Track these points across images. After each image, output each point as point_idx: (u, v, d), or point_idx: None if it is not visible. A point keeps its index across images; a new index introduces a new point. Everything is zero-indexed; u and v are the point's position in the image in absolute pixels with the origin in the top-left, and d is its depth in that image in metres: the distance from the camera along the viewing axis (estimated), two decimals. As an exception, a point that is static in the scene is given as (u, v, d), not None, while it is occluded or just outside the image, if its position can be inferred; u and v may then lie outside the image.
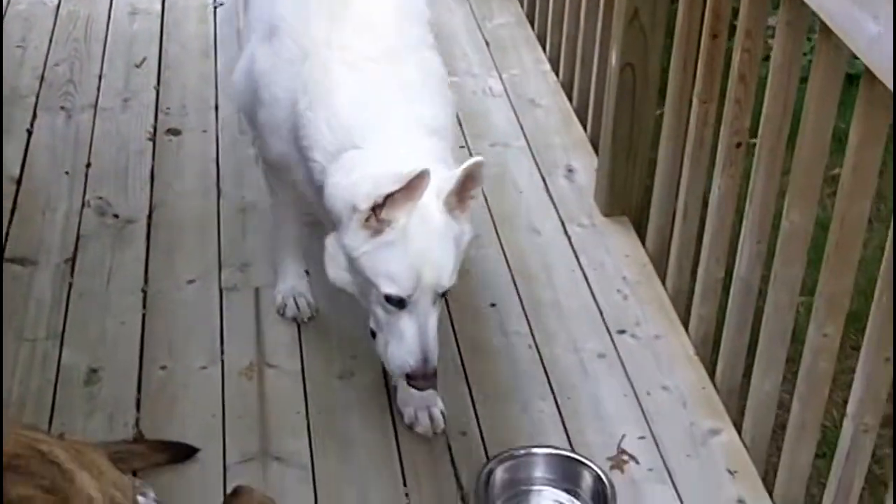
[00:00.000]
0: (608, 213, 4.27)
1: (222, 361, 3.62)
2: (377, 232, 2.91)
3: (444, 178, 2.92)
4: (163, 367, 3.58)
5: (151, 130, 4.71)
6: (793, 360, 3.20)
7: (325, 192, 3.07)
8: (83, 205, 4.28)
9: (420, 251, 2.92)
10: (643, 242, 4.14)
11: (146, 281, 3.93)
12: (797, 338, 3.21)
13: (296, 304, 3.78)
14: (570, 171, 4.53)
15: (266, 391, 3.52)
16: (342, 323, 3.73)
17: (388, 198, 2.85)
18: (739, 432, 3.42)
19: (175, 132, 4.70)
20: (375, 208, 2.87)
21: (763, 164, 3.22)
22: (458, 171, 2.91)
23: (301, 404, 3.48)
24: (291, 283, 3.80)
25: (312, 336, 3.71)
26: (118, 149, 4.60)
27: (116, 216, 4.22)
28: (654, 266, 4.04)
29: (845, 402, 2.89)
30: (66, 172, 4.45)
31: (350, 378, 3.57)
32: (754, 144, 3.26)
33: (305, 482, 3.23)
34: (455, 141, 3.35)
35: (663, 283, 3.96)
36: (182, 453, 3.26)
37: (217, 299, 3.86)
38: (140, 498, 3.00)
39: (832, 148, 3.03)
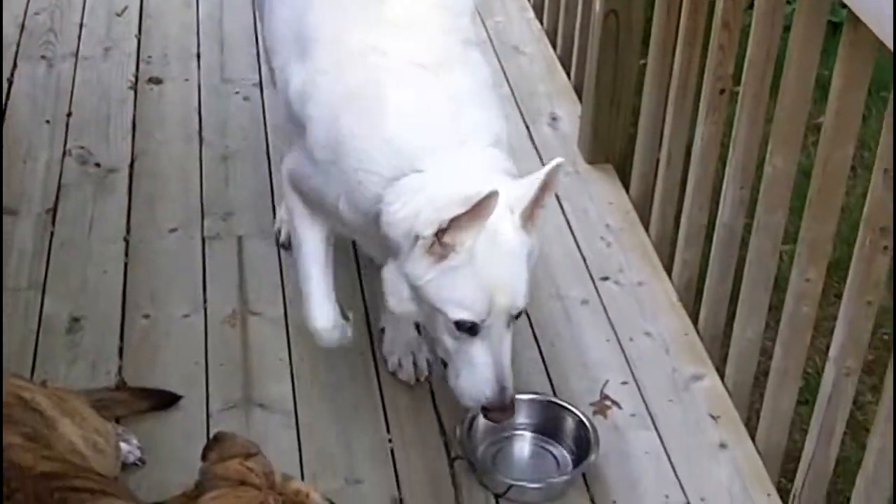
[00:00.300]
0: (592, 160, 4.26)
1: (205, 309, 3.62)
2: (441, 257, 2.69)
3: (516, 192, 2.72)
4: (145, 316, 3.58)
5: (133, 79, 4.68)
6: (776, 308, 3.20)
7: (382, 221, 2.80)
8: (64, 154, 4.26)
9: (491, 273, 2.71)
10: (627, 190, 4.13)
11: (128, 230, 3.91)
12: (780, 285, 3.21)
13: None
14: (554, 118, 4.51)
15: (249, 338, 3.52)
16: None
17: (453, 222, 2.63)
18: (722, 378, 3.43)
19: (156, 81, 4.67)
20: (439, 233, 2.66)
21: (746, 111, 3.21)
22: (534, 182, 2.71)
23: (284, 351, 3.48)
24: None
25: (296, 282, 3.68)
26: (99, 98, 4.57)
27: (98, 165, 4.20)
28: (638, 213, 4.04)
29: (828, 349, 2.90)
30: (47, 121, 4.42)
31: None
32: (738, 93, 3.26)
33: (289, 428, 3.24)
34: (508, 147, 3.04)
35: (646, 230, 3.96)
36: (165, 401, 3.26)
37: (199, 248, 3.85)
38: (122, 445, 3.01)
39: (815, 97, 3.03)
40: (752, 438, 3.26)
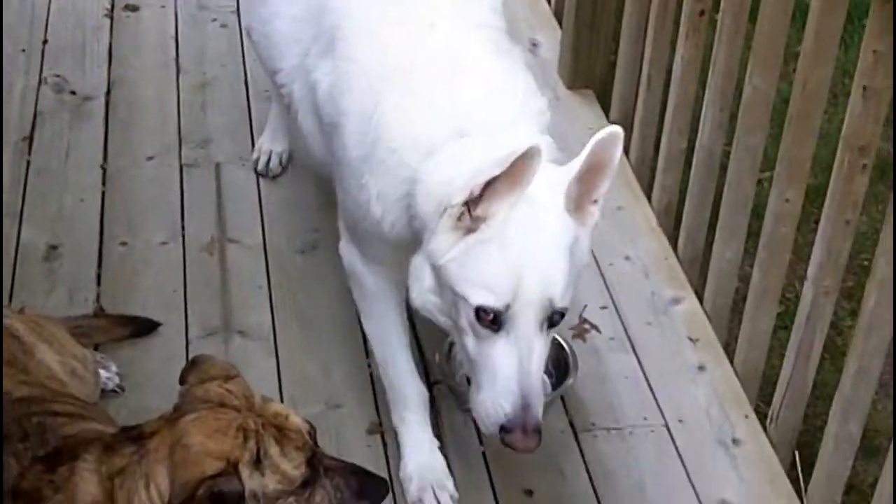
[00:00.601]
0: (572, 85, 4.24)
1: (183, 237, 3.60)
2: (470, 231, 2.34)
3: (560, 175, 2.37)
4: (123, 244, 3.56)
5: (108, 6, 4.62)
6: (755, 236, 3.19)
7: (417, 197, 2.47)
8: (40, 82, 4.22)
9: (521, 251, 2.33)
10: (607, 115, 4.12)
11: (105, 158, 3.89)
12: (758, 212, 3.21)
13: (436, 499, 2.91)
14: (535, 45, 4.48)
15: (227, 266, 3.51)
16: (304, 196, 3.71)
17: (488, 187, 2.29)
18: (701, 301, 3.44)
19: (133, 8, 4.62)
20: (470, 203, 2.32)
21: (726, 33, 3.20)
22: (578, 160, 2.35)
23: (263, 279, 3.47)
24: (423, 464, 2.95)
25: (274, 210, 3.69)
26: (75, 25, 4.52)
27: (74, 93, 4.17)
28: (618, 138, 4.02)
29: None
30: (23, 50, 4.37)
31: (312, 252, 3.55)
32: (717, 16, 3.24)
33: (268, 354, 3.24)
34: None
35: (627, 154, 3.93)
36: (143, 328, 3.25)
37: (177, 176, 3.83)
38: (101, 371, 3.00)
39: (796, 25, 3.01)
40: (731, 361, 3.28)
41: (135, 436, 2.19)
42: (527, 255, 2.33)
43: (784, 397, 3.04)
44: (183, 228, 3.63)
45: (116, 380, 3.07)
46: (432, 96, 2.52)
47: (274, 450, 2.12)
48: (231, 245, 3.58)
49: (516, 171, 2.25)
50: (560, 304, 2.37)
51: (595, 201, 2.44)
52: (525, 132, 2.48)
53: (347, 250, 2.87)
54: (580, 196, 2.39)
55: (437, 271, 2.41)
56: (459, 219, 2.34)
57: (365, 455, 2.96)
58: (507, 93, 2.58)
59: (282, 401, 3.06)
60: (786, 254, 3.05)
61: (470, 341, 2.41)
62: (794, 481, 3.02)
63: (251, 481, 2.08)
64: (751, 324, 3.18)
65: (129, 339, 3.22)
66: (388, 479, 2.83)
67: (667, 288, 3.49)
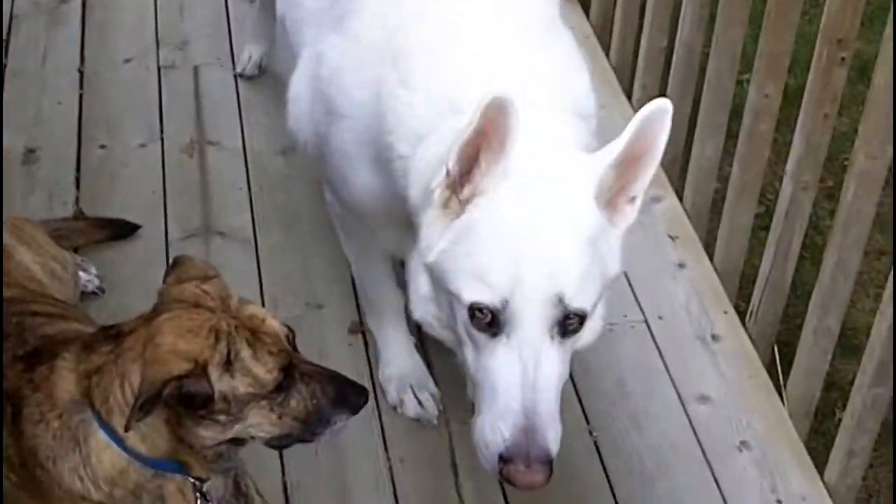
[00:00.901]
0: (552, -15, 4.20)
1: (162, 140, 3.59)
2: (458, 215, 2.02)
3: (590, 163, 2.02)
4: (101, 147, 3.55)
5: None
6: (736, 137, 3.17)
7: (409, 196, 2.18)
8: (15, -15, 4.18)
9: (520, 231, 1.95)
10: (587, 15, 4.08)
11: (82, 60, 3.86)
12: (737, 112, 3.19)
13: (416, 398, 2.84)
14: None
15: (207, 168, 3.50)
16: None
17: (465, 157, 1.96)
18: (681, 199, 3.44)
19: None
20: (455, 184, 2.00)
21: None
22: (623, 135, 2.00)
23: (243, 180, 3.47)
24: (401, 366, 2.89)
25: (253, 112, 3.67)
26: (48, -73, 4.46)
27: (49, -5, 4.13)
28: (598, 39, 4.00)
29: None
30: (-4, -47, 4.32)
31: (293, 153, 3.52)
32: None
33: (249, 255, 3.24)
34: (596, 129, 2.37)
35: (607, 55, 3.92)
36: (123, 230, 3.25)
37: (155, 78, 3.80)
38: (81, 273, 3.00)
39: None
40: (710, 258, 3.28)
41: (112, 335, 2.18)
42: (528, 238, 1.95)
43: (763, 293, 3.05)
44: (161, 131, 3.62)
45: (96, 282, 3.07)
46: (427, 74, 2.19)
47: (246, 352, 2.06)
48: (210, 147, 3.57)
49: (489, 127, 1.91)
50: (574, 303, 1.95)
51: (633, 198, 2.07)
52: (543, 110, 2.11)
53: (330, 198, 2.71)
54: (615, 189, 2.03)
55: (431, 272, 2.08)
56: (446, 205, 2.02)
57: (346, 354, 2.98)
58: (521, 69, 2.18)
59: (263, 301, 3.08)
60: (765, 150, 3.05)
61: (469, 353, 2.04)
62: (774, 377, 3.04)
63: (221, 383, 2.04)
64: (730, 220, 3.18)
65: (109, 241, 3.22)
66: (370, 375, 2.87)
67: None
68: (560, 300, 1.94)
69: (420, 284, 2.12)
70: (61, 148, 3.53)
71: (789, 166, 2.87)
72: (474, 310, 1.96)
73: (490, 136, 1.91)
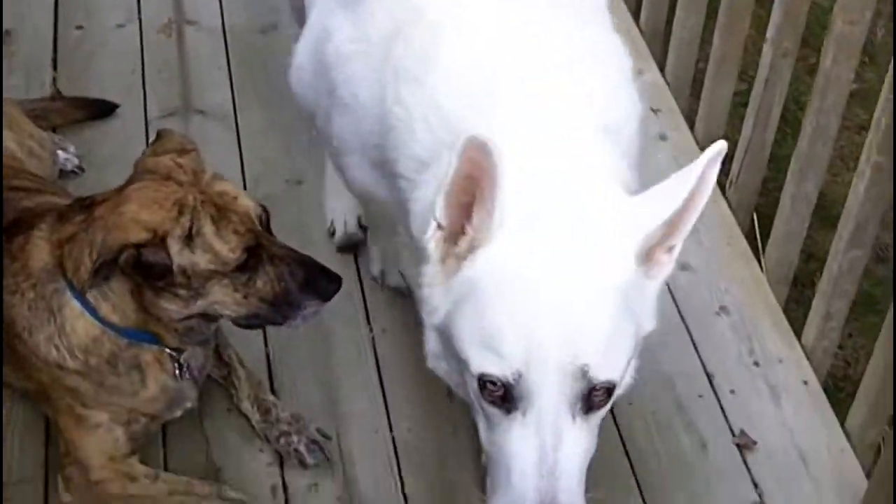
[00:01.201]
0: None
1: (139, 19, 3.56)
2: (458, 272, 1.77)
3: (635, 205, 1.77)
4: (79, 27, 3.52)
5: None
6: (717, 13, 3.14)
7: (410, 223, 1.99)
8: None
9: (533, 293, 1.70)
10: None
11: (58, -60, 3.80)
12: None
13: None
14: None
15: (186, 47, 3.47)
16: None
17: (454, 206, 1.73)
18: (662, 72, 3.42)
19: None
20: (449, 236, 1.77)
21: None
22: (679, 188, 1.71)
23: (223, 59, 3.44)
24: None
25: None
26: None
27: None
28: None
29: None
30: None
31: (273, 31, 3.51)
32: None
33: (229, 133, 3.23)
34: (637, 153, 2.07)
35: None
36: (102, 110, 3.23)
37: (132, -44, 3.75)
38: (59, 152, 2.99)
39: None
40: (691, 129, 3.28)
41: (86, 205, 2.19)
42: (541, 298, 1.69)
43: (743, 161, 3.05)
44: (139, 10, 3.58)
45: (75, 161, 3.06)
46: (441, 89, 1.94)
47: (208, 228, 2.06)
48: (189, 27, 3.54)
49: (474, 171, 1.66)
50: (601, 375, 1.70)
51: (671, 248, 1.80)
52: (567, 147, 1.84)
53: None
54: (655, 242, 1.76)
55: (439, 335, 1.86)
56: (444, 261, 1.79)
57: (325, 229, 2.97)
58: (547, 87, 1.91)
59: (244, 178, 3.08)
60: (745, 19, 3.03)
61: (482, 425, 1.82)
62: (753, 244, 3.05)
63: (180, 257, 2.05)
64: (711, 92, 3.17)
65: (88, 121, 3.20)
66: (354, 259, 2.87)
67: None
68: (584, 373, 1.69)
69: (430, 339, 1.90)
70: (38, 28, 3.50)
71: (769, 33, 2.85)
72: (485, 381, 1.72)
73: (479, 180, 1.67)
